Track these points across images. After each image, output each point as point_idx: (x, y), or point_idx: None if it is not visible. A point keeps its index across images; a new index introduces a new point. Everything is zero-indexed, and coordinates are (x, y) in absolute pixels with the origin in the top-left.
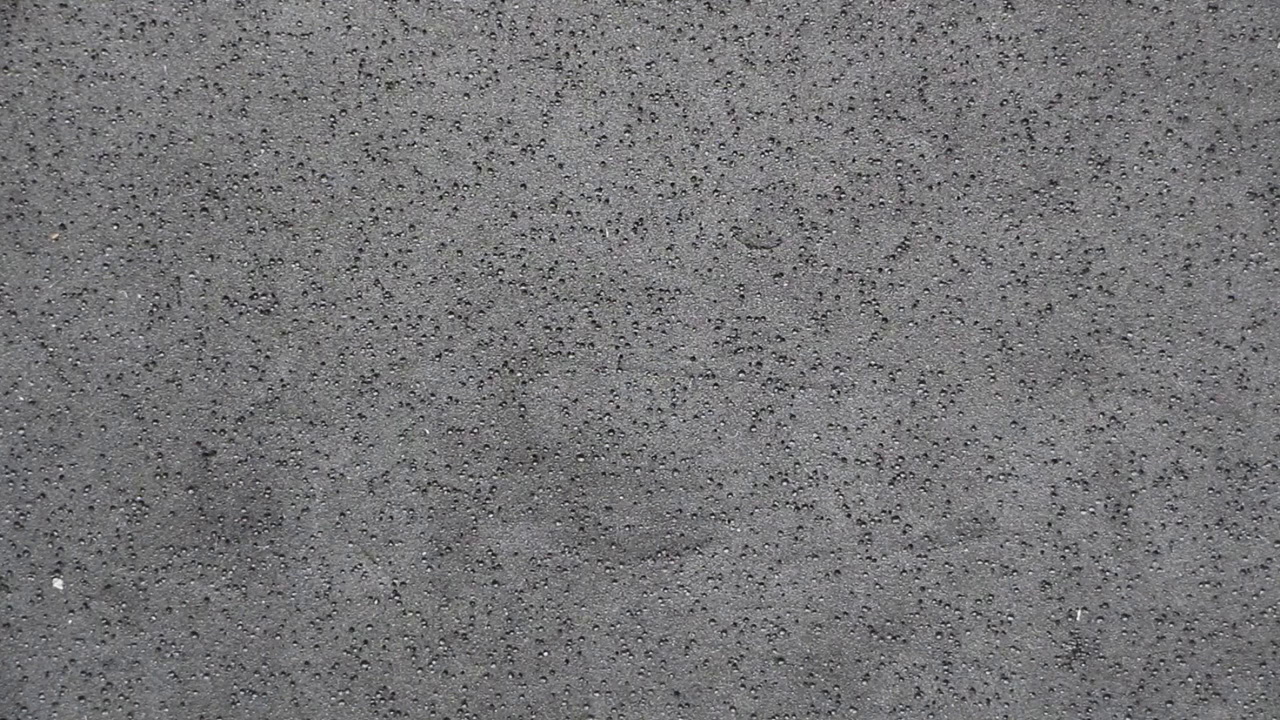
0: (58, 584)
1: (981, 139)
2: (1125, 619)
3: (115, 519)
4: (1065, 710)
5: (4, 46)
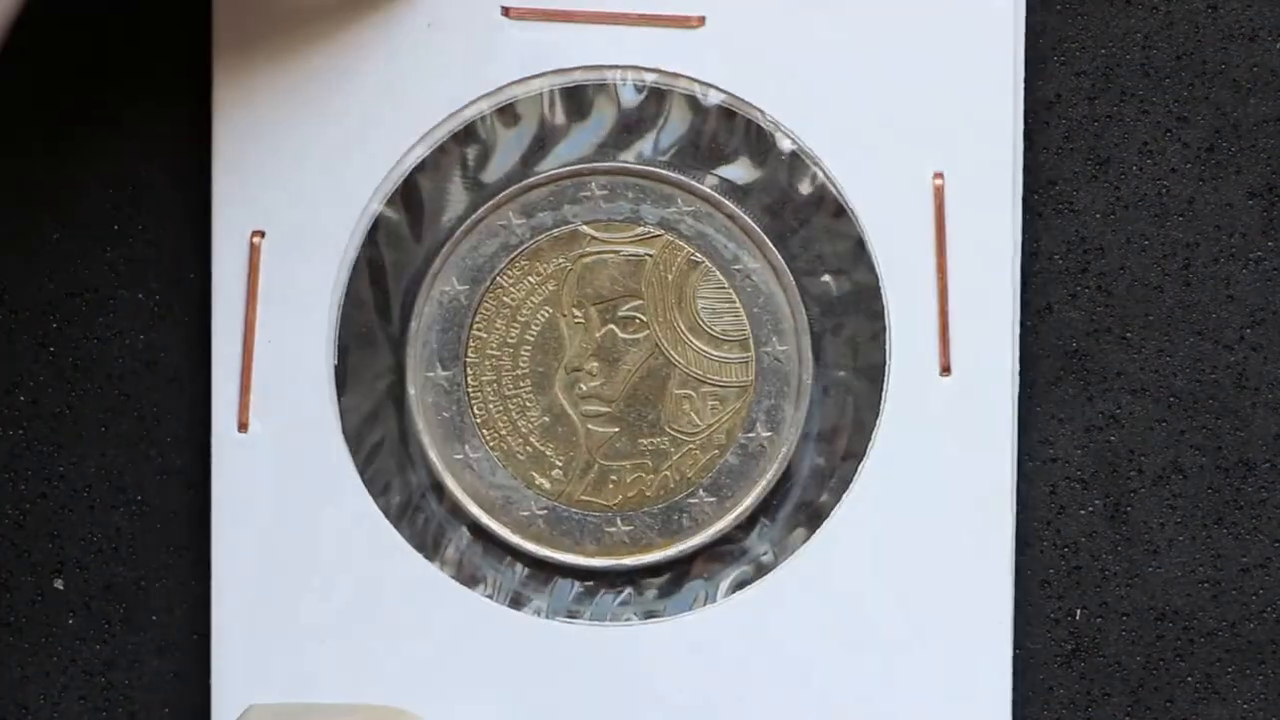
0: (58, 584)
1: None
2: (1124, 618)
3: (116, 519)
4: (1065, 709)
5: (5, 46)
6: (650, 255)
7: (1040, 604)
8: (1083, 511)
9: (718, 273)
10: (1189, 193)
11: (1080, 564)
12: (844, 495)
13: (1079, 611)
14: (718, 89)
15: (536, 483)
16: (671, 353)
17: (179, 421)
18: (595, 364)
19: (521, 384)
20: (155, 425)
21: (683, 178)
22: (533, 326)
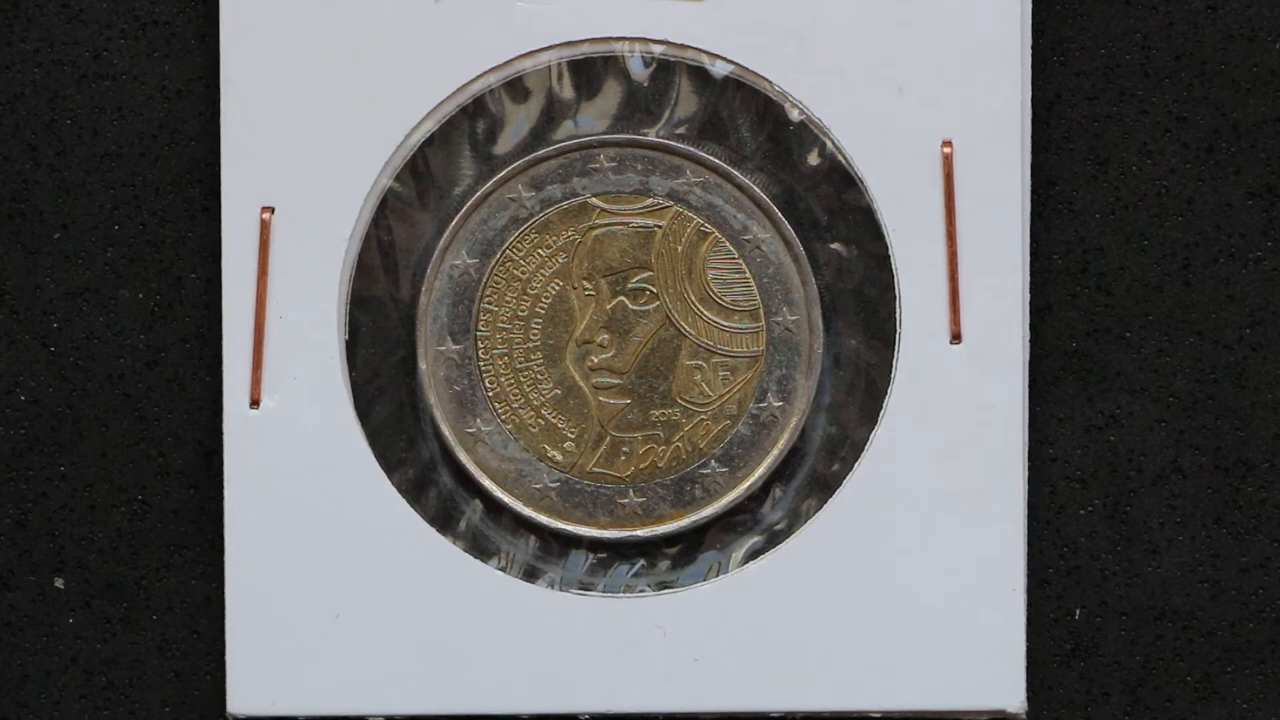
0: (59, 583)
1: None
2: (1124, 618)
3: (117, 518)
4: (1065, 709)
5: (6, 46)
6: (660, 226)
7: (1040, 604)
8: (1083, 511)
9: (728, 243)
10: (1189, 193)
11: (1080, 564)
12: (856, 464)
13: (1079, 611)
14: (726, 60)
15: (549, 455)
16: (682, 324)
17: (180, 420)
18: (606, 336)
19: (533, 357)
20: (155, 425)
21: (691, 149)
22: (543, 299)
